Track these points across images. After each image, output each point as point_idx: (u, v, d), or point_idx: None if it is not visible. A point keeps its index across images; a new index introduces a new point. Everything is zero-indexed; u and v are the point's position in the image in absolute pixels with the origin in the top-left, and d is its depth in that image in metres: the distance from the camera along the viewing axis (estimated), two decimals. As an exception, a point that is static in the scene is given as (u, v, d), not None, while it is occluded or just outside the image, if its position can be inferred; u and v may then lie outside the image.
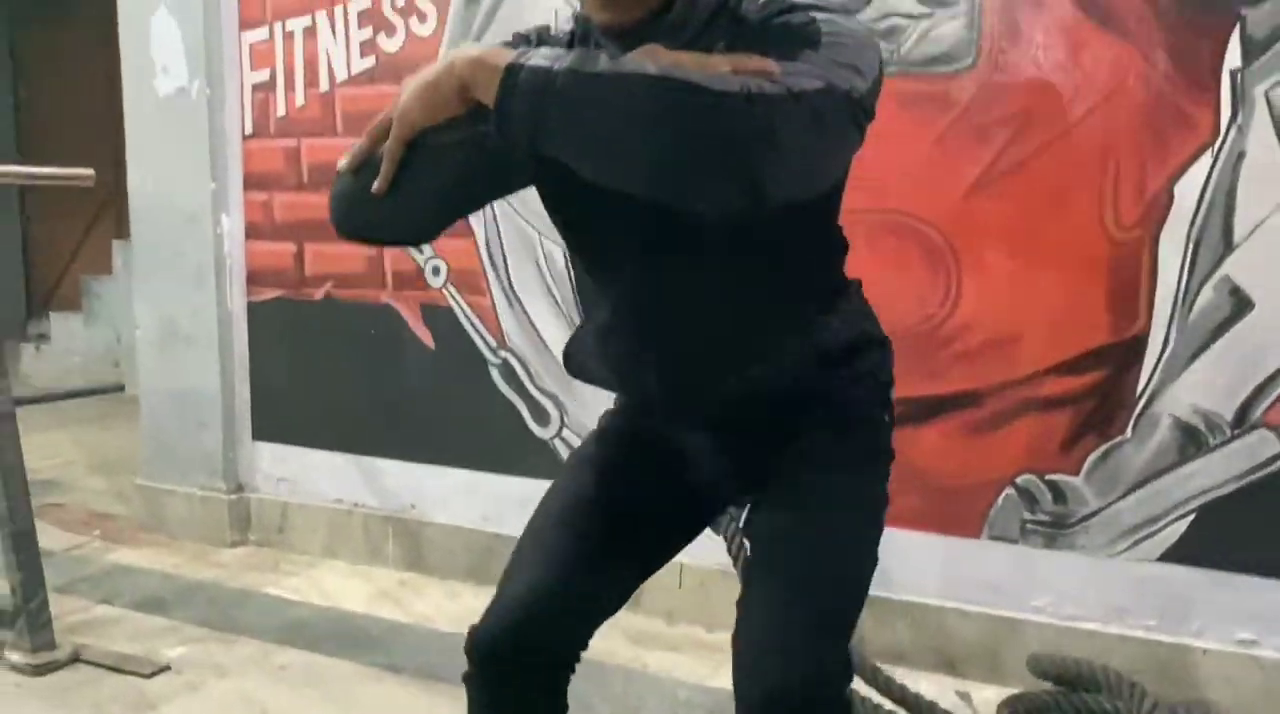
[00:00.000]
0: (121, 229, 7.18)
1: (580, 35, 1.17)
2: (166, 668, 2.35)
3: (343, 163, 1.10)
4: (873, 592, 1.20)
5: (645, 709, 2.21)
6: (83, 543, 3.30)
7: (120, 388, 5.61)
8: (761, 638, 1.11)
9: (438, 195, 1.11)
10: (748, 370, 1.18)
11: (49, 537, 3.30)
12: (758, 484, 1.22)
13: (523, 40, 1.20)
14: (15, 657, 2.35)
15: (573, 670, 1.28)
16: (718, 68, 0.92)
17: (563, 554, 1.23)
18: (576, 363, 1.33)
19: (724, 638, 1.16)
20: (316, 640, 2.50)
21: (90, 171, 2.91)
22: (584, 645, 1.27)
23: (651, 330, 1.20)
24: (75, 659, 2.38)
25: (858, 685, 1.95)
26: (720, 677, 2.29)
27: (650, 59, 0.92)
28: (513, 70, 0.93)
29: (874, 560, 1.20)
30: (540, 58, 0.94)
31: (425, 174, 1.05)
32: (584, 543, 1.24)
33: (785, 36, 1.01)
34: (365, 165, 1.07)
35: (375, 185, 1.04)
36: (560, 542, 1.25)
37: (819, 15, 1.02)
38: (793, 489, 1.19)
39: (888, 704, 2.04)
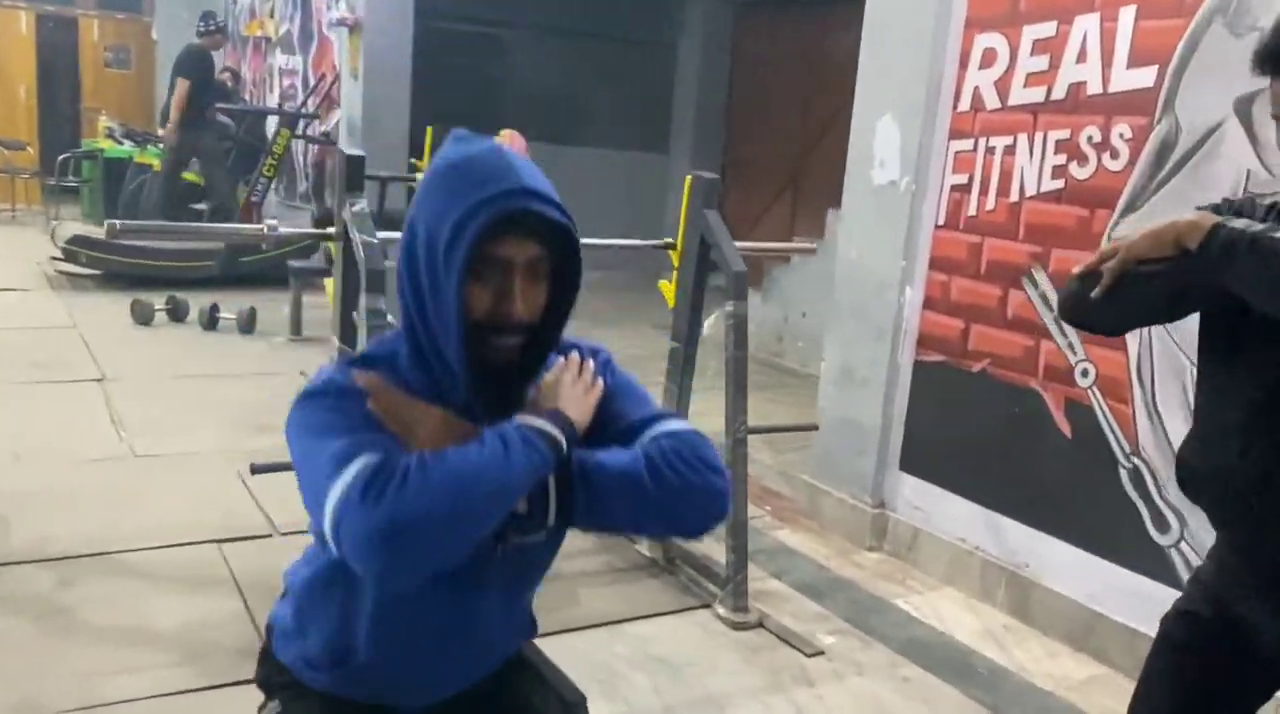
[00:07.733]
0: (794, 227, 8.42)
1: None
2: (821, 652, 3.12)
3: (1076, 271, 1.60)
4: None
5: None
6: (758, 516, 4.23)
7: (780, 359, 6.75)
8: None
9: (1135, 305, 1.56)
10: None
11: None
12: None
13: (1228, 206, 1.59)
14: (722, 611, 3.28)
15: None
16: None
17: None
18: (1187, 470, 1.68)
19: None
20: (934, 663, 3.10)
21: (814, 245, 3.78)
22: None
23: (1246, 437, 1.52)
24: (759, 624, 3.25)
25: None
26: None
27: None
28: (1216, 229, 1.38)
29: None
30: (1237, 223, 1.37)
31: (1130, 290, 1.51)
32: None
33: None
34: (1090, 276, 1.55)
35: (1095, 292, 1.53)
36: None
37: None
38: None
39: None
